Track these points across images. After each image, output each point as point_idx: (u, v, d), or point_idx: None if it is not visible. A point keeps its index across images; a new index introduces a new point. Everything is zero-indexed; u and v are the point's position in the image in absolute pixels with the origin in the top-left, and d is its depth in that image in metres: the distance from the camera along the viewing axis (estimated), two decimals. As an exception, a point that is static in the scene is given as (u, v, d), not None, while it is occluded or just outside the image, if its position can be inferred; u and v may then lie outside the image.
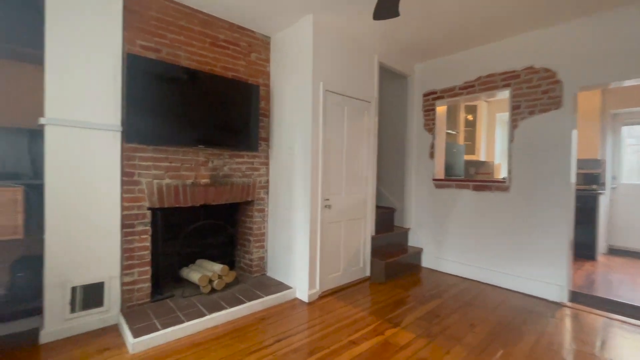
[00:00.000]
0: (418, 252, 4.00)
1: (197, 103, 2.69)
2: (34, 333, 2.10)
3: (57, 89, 2.12)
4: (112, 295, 2.38)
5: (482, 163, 5.63)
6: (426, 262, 4.01)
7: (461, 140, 5.50)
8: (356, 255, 3.42)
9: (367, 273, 3.55)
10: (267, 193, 3.37)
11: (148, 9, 2.52)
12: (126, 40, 2.41)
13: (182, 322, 2.28)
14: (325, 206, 3.06)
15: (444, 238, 3.82)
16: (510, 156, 3.30)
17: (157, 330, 2.17)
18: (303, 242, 2.94)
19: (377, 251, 3.68)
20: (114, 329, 2.30)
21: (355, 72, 3.32)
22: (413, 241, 4.14)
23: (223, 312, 2.47)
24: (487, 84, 3.47)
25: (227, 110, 2.89)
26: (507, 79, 3.31)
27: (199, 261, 3.09)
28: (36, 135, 2.26)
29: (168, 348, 2.10)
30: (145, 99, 2.39)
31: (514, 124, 3.27)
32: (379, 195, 4.55)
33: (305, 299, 2.89)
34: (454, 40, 3.37)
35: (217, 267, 2.87)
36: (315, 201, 2.94)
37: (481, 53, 3.51)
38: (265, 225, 3.37)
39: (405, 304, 2.90)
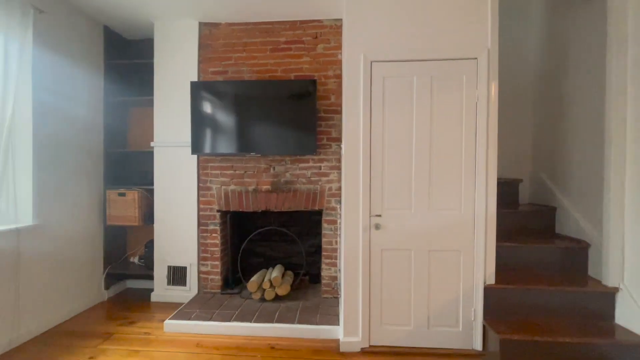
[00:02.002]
0: (636, 346, 1.87)
1: (253, 111, 2.77)
2: (145, 293, 3.01)
3: (159, 119, 2.95)
4: (192, 279, 2.95)
5: None
6: (656, 373, 1.80)
7: None
8: (448, 309, 2.14)
9: (475, 345, 2.11)
10: (340, 202, 2.85)
11: (217, 39, 2.93)
12: (201, 71, 2.94)
13: (208, 319, 2.44)
14: (375, 225, 2.16)
15: None
16: None
17: (189, 319, 2.45)
18: (342, 269, 2.25)
19: (514, 313, 2.10)
20: (187, 307, 2.82)
21: (439, 16, 2.11)
22: (626, 316, 1.99)
23: (243, 324, 2.38)
24: None
25: (282, 113, 2.76)
26: None
27: (277, 266, 3.13)
28: (166, 155, 3.23)
29: (184, 339, 2.32)
30: (205, 116, 2.78)
31: None
32: (561, 215, 2.59)
33: (340, 347, 2.18)
34: None
35: (273, 275, 2.79)
36: (352, 216, 2.17)
37: None
38: (338, 240, 2.86)
39: None
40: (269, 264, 3.25)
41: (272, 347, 2.21)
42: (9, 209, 2.22)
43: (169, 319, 2.45)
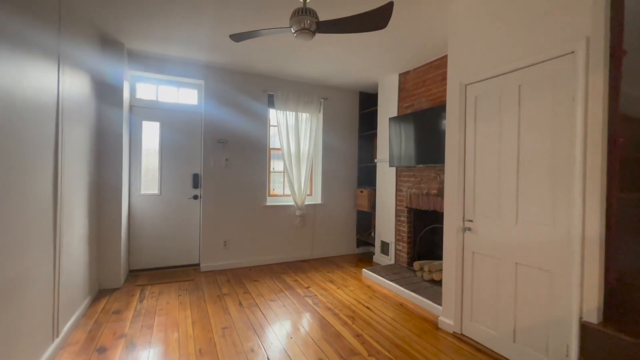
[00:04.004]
0: None
1: (424, 132, 3.63)
2: (372, 255, 4.67)
3: (379, 144, 4.54)
4: (391, 252, 4.26)
5: None
6: None
7: None
8: (536, 331, 1.98)
9: (566, 385, 1.80)
10: (491, 209, 2.95)
11: (407, 82, 4.03)
12: (399, 108, 4.17)
13: (382, 277, 3.70)
14: (467, 229, 2.43)
15: None
16: None
17: (374, 273, 3.85)
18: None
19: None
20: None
21: (527, 23, 2.01)
22: None
23: (396, 285, 3.41)
24: None
25: (443, 130, 3.38)
26: None
27: (452, 260, 3.66)
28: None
29: (366, 281, 3.77)
30: (396, 139, 4.00)
31: None
32: None
33: (439, 323, 2.66)
34: None
35: (433, 264, 3.48)
36: (450, 219, 2.58)
37: None
38: (489, 246, 2.97)
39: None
40: (448, 257, 3.81)
41: (401, 304, 3.11)
42: (312, 196, 4.82)
43: (365, 269, 3.98)
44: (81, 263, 2.68)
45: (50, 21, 2.00)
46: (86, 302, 2.81)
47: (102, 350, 2.20)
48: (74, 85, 2.42)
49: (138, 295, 3.17)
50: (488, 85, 2.29)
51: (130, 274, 3.78)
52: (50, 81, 2.01)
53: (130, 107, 3.80)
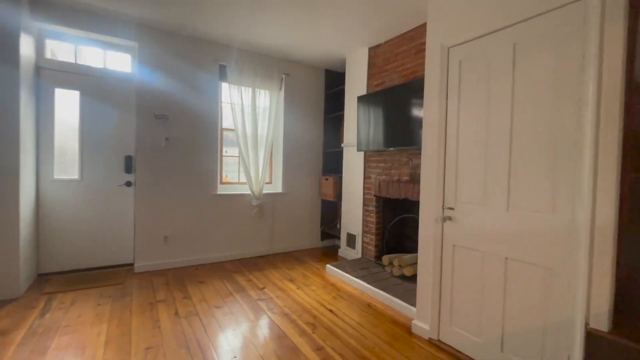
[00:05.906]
0: None
1: (394, 111, 3.24)
2: (337, 248, 4.28)
3: (346, 127, 4.11)
4: (358, 245, 3.89)
5: None
6: None
7: None
8: (529, 338, 1.67)
9: (565, 404, 1.50)
10: (468, 197, 2.64)
11: (378, 57, 3.62)
12: (368, 86, 3.75)
13: (348, 273, 3.30)
14: (447, 218, 2.07)
15: None
16: None
17: (338, 268, 3.45)
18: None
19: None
20: (351, 264, 3.82)
21: (533, -34, 1.65)
22: None
23: (362, 282, 3.03)
24: None
25: (415, 109, 3.01)
26: None
27: (423, 253, 3.35)
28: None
29: (329, 278, 3.35)
30: (364, 121, 3.59)
31: None
32: None
33: (413, 328, 2.31)
34: None
35: (402, 258, 3.14)
36: (428, 206, 2.21)
37: None
38: (466, 238, 2.67)
39: None
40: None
41: (369, 305, 2.73)
42: (272, 184, 4.29)
43: (329, 265, 3.56)
44: (-56, 270, 1.96)
45: None
46: (-43, 321, 2.09)
47: (-43, 393, 1.56)
48: None
49: (41, 307, 2.48)
50: (476, 46, 1.91)
51: (38, 278, 3.03)
52: None
53: (37, 69, 2.99)
